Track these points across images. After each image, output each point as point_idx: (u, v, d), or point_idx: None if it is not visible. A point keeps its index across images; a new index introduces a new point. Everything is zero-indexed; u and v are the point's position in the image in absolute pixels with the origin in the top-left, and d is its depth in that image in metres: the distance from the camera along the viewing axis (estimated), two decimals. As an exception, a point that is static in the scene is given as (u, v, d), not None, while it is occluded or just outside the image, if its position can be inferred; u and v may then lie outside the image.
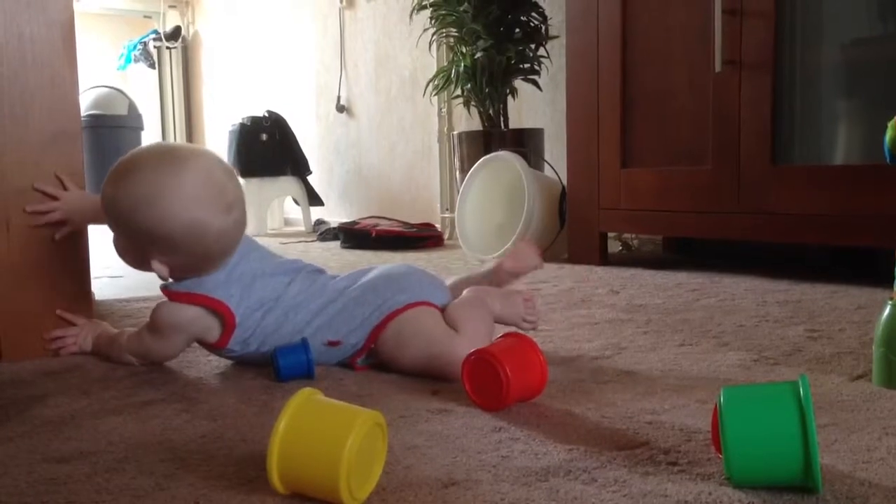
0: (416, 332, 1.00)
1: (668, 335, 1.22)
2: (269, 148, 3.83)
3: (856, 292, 1.56)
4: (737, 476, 0.61)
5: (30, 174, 1.10)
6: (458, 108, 3.05)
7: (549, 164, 2.56)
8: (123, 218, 0.97)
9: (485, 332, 1.01)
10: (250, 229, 1.16)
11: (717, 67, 1.84)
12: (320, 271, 1.11)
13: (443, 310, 1.04)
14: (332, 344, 1.03)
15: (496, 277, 1.19)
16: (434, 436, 0.76)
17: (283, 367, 0.97)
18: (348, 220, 3.29)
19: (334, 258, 2.59)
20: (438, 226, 3.25)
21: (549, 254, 2.30)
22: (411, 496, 0.62)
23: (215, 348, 1.04)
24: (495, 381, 0.82)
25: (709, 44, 1.86)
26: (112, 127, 4.90)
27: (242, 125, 3.85)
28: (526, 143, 2.57)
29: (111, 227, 1.01)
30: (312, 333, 1.02)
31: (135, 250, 1.00)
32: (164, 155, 0.97)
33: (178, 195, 0.93)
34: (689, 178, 1.94)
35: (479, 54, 2.55)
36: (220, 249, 0.98)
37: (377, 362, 1.03)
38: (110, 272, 2.30)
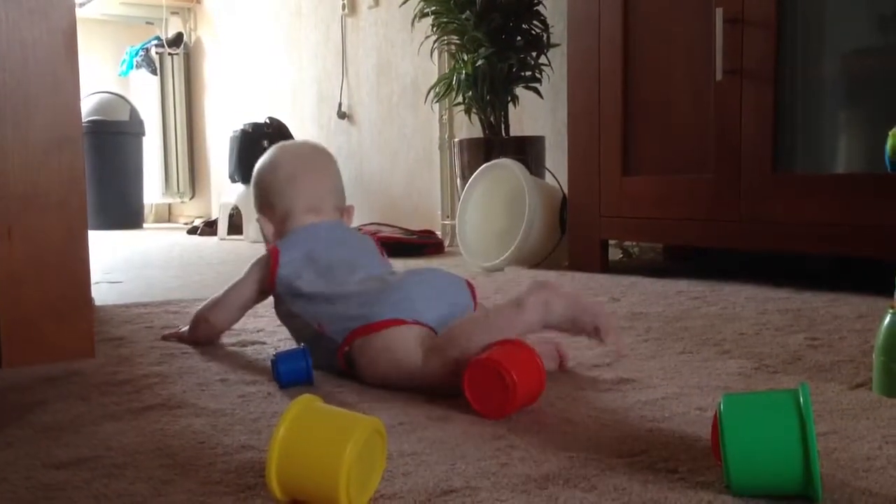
0: (384, 348, 0.97)
1: (669, 343, 1.22)
2: (270, 154, 3.83)
3: (856, 301, 1.56)
4: (736, 484, 0.61)
5: (32, 180, 1.10)
6: (460, 115, 3.06)
7: (550, 171, 2.56)
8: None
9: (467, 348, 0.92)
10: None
11: (719, 76, 1.84)
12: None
13: (432, 328, 0.97)
14: (319, 330, 1.03)
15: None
16: (433, 443, 0.76)
17: (283, 373, 0.97)
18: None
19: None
20: (439, 233, 3.25)
21: (550, 261, 2.30)
22: (410, 503, 0.62)
23: (270, 290, 1.16)
24: (500, 389, 0.82)
25: (710, 53, 1.87)
26: (113, 133, 4.92)
27: (244, 131, 3.86)
28: (527, 151, 2.57)
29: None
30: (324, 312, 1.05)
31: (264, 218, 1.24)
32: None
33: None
34: (691, 186, 1.95)
35: (480, 62, 2.56)
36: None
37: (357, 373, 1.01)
38: (110, 278, 2.31)
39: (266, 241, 1.24)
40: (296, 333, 1.14)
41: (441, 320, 0.98)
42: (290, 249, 1.15)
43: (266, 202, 1.23)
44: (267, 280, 1.16)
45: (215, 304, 1.24)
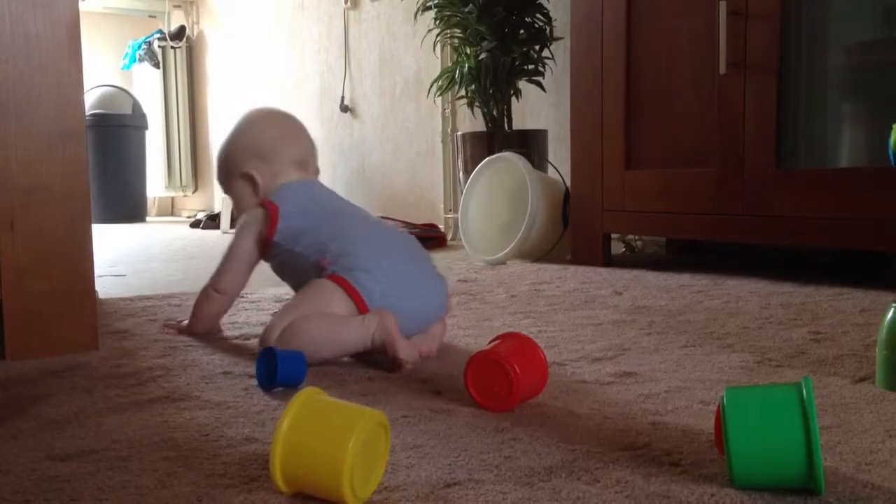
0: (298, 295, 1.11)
1: (672, 336, 1.22)
2: (272, 148, 3.83)
3: (860, 295, 1.56)
4: (739, 477, 0.61)
5: (35, 173, 1.10)
6: (462, 108, 3.05)
7: (552, 165, 2.56)
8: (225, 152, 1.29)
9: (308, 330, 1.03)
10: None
11: (722, 69, 1.84)
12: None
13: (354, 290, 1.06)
14: (323, 263, 1.11)
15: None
16: (436, 435, 0.76)
17: (281, 372, 0.93)
18: (352, 221, 3.29)
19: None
20: (442, 226, 3.25)
21: (553, 255, 2.30)
22: (413, 495, 0.62)
23: (269, 241, 1.19)
24: (503, 382, 0.82)
25: (713, 46, 1.86)
26: (116, 126, 4.92)
27: (247, 125, 3.85)
28: (530, 145, 2.57)
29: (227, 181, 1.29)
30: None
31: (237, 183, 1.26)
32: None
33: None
34: (694, 179, 1.94)
35: (483, 55, 2.55)
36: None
37: None
38: (113, 271, 2.31)
39: (242, 197, 1.26)
40: (293, 273, 1.19)
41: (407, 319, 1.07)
42: (288, 201, 1.19)
43: (258, 154, 1.25)
44: (266, 234, 1.18)
45: (221, 274, 1.24)
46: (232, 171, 1.27)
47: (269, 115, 1.33)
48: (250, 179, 1.24)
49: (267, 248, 1.20)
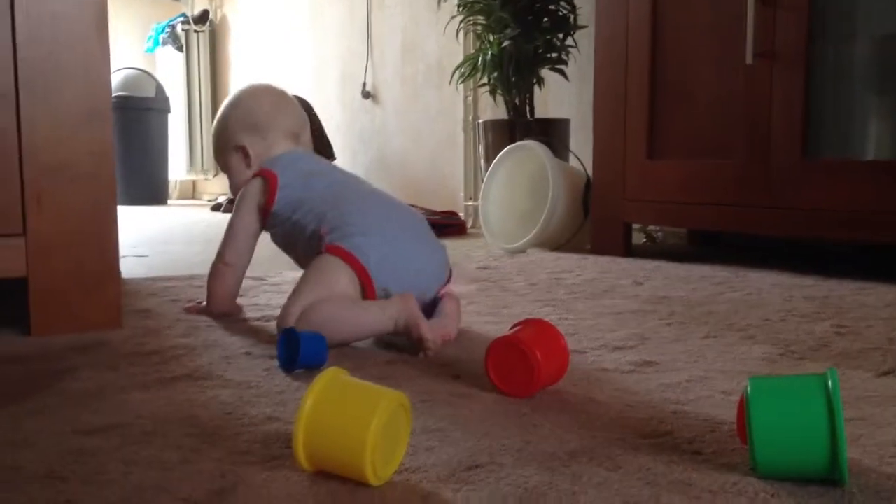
0: (306, 273, 1.11)
1: (693, 327, 1.21)
2: (294, 133, 3.84)
3: (884, 289, 1.55)
4: (762, 467, 0.60)
5: (62, 152, 1.11)
6: (484, 96, 3.04)
7: (574, 154, 2.55)
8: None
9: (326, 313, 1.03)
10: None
11: (749, 59, 1.82)
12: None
13: (362, 267, 1.07)
14: (322, 232, 1.12)
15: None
16: (457, 419, 0.76)
17: (302, 353, 0.94)
18: (372, 207, 3.29)
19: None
20: (462, 214, 3.25)
21: (573, 244, 2.30)
22: (434, 477, 0.62)
23: (268, 211, 1.20)
24: (524, 368, 0.82)
25: (741, 35, 1.84)
26: (139, 109, 4.94)
27: (268, 110, 3.86)
28: (551, 133, 2.56)
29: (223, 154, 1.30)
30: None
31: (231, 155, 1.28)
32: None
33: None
34: (718, 170, 1.93)
35: (506, 42, 2.54)
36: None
37: None
38: (136, 252, 2.33)
39: (237, 169, 1.28)
40: (293, 243, 1.20)
41: (402, 290, 1.07)
42: (286, 171, 1.21)
43: (252, 125, 1.27)
44: (265, 203, 1.20)
45: (225, 247, 1.25)
46: (226, 145, 1.29)
47: (261, 88, 1.35)
48: (243, 151, 1.27)
49: (266, 218, 1.22)
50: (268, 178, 1.21)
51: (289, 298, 1.08)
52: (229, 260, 1.25)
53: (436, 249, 1.19)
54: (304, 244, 1.17)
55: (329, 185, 1.21)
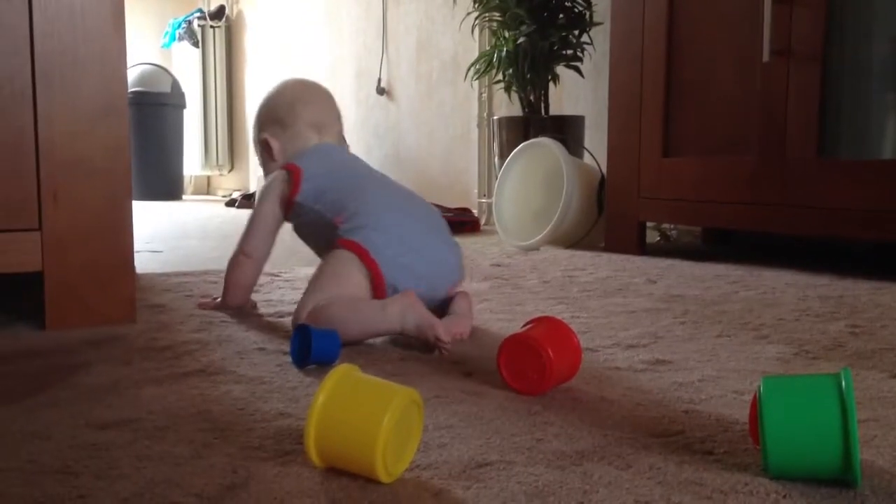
0: (319, 269, 1.12)
1: (706, 326, 1.21)
2: (308, 129, 3.85)
3: (899, 289, 1.53)
4: (774, 467, 0.60)
5: (78, 147, 1.12)
6: (499, 93, 3.04)
7: (588, 151, 2.54)
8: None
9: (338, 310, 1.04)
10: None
11: (766, 57, 1.81)
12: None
13: (375, 265, 1.07)
14: (337, 221, 1.13)
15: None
16: (468, 416, 0.76)
17: (315, 350, 0.94)
18: (385, 203, 3.29)
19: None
20: (475, 211, 3.25)
21: (586, 242, 2.29)
22: (445, 474, 0.62)
23: (292, 202, 1.20)
24: (536, 366, 0.82)
25: (757, 32, 1.83)
26: (155, 104, 4.97)
27: (283, 106, 3.87)
28: (566, 130, 2.55)
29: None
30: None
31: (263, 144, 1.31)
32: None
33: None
34: (733, 168, 1.92)
35: (521, 39, 2.54)
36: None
37: None
38: (150, 247, 2.34)
39: (266, 162, 1.30)
40: (312, 233, 1.22)
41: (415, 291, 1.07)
42: (312, 163, 1.22)
43: (274, 118, 1.29)
44: (288, 195, 1.20)
45: (247, 237, 1.25)
46: (256, 139, 1.33)
47: (288, 83, 1.36)
48: (267, 145, 1.29)
49: (290, 209, 1.22)
50: (291, 171, 1.22)
51: (303, 294, 1.09)
52: (249, 251, 1.25)
53: (451, 249, 1.19)
54: (321, 234, 1.18)
55: (353, 178, 1.22)
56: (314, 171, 1.21)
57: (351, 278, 1.07)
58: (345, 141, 1.36)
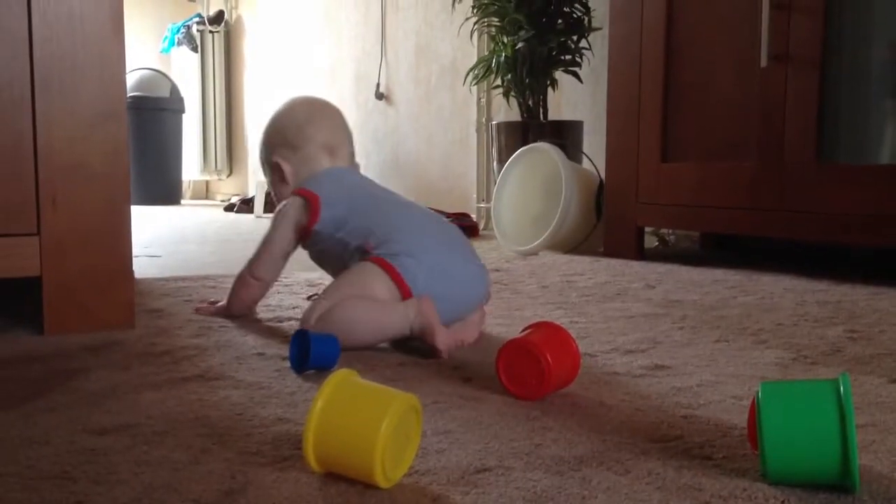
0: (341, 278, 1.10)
1: (705, 331, 1.21)
2: (307, 133, 3.86)
3: (898, 295, 1.54)
4: (773, 472, 0.60)
5: (77, 151, 1.12)
6: (498, 98, 3.04)
7: (587, 156, 2.55)
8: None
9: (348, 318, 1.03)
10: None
11: (764, 62, 1.81)
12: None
13: (400, 276, 1.06)
14: (367, 248, 1.11)
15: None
16: (467, 422, 0.76)
17: (314, 355, 0.94)
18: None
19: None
20: (474, 216, 3.25)
21: (585, 247, 2.29)
22: (444, 479, 0.62)
23: (309, 230, 1.18)
24: (535, 371, 0.82)
25: (755, 38, 1.84)
26: (154, 109, 4.97)
27: (282, 110, 3.87)
28: (565, 135, 2.56)
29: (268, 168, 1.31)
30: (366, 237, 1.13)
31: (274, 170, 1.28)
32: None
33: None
34: (732, 173, 1.92)
35: (520, 44, 2.54)
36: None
37: None
38: (149, 252, 2.34)
39: (276, 185, 1.28)
40: (335, 260, 1.18)
41: (445, 307, 1.06)
42: (328, 190, 1.19)
43: (285, 142, 1.26)
44: (305, 223, 1.18)
45: (258, 261, 1.23)
46: (265, 161, 1.30)
47: (297, 102, 1.33)
48: (278, 168, 1.26)
49: (307, 238, 1.20)
50: (309, 199, 1.18)
51: (321, 295, 1.08)
52: (258, 275, 1.24)
53: (479, 270, 1.16)
54: (345, 261, 1.15)
55: (374, 203, 1.20)
56: (332, 199, 1.18)
57: (374, 288, 1.06)
58: (356, 162, 1.32)
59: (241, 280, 1.26)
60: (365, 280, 1.07)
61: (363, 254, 1.11)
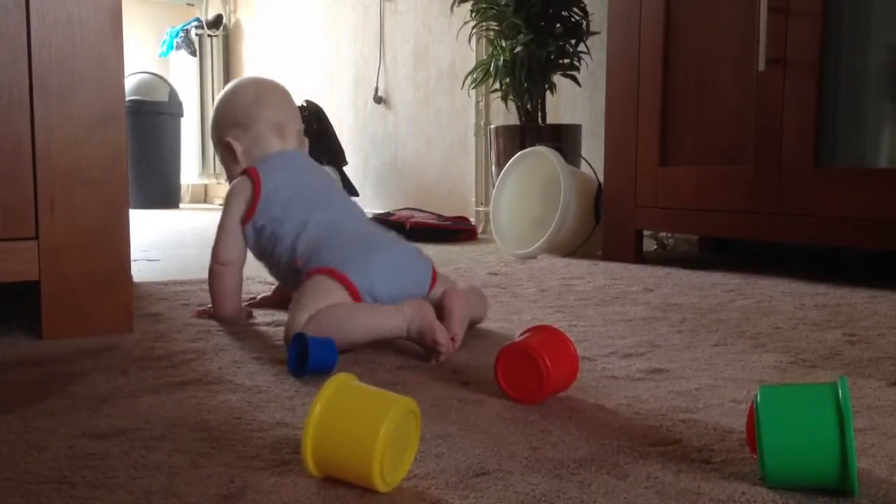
0: (300, 292, 1.10)
1: (703, 335, 1.21)
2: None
3: (896, 298, 1.54)
4: (771, 476, 0.60)
5: (75, 155, 1.12)
6: (496, 101, 3.05)
7: (585, 160, 2.55)
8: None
9: (335, 322, 1.03)
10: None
11: (762, 66, 1.81)
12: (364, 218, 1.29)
13: (357, 290, 1.08)
14: (297, 264, 1.15)
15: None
16: (466, 425, 0.76)
17: (313, 360, 0.93)
18: (383, 212, 3.30)
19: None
20: (473, 219, 3.25)
21: (583, 250, 2.30)
22: (443, 483, 0.62)
23: (252, 210, 1.22)
24: (533, 375, 0.82)
25: (753, 42, 1.84)
26: (152, 113, 4.97)
27: (280, 114, 3.87)
28: (563, 139, 2.56)
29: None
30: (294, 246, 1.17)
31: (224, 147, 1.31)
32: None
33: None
34: (730, 177, 1.93)
35: (518, 48, 2.54)
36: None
37: None
38: (147, 255, 2.34)
39: (228, 165, 1.31)
40: (269, 257, 1.22)
41: (391, 295, 1.09)
42: (269, 171, 1.24)
43: (235, 122, 1.30)
44: (251, 200, 1.22)
45: (219, 245, 1.26)
46: (217, 142, 1.33)
47: (245, 82, 1.36)
48: (229, 148, 1.29)
49: (250, 216, 1.22)
50: (253, 177, 1.23)
51: (291, 310, 1.08)
52: (223, 259, 1.26)
53: (413, 254, 1.20)
54: (279, 257, 1.20)
55: (305, 204, 1.22)
56: (270, 191, 1.22)
57: (333, 292, 1.08)
58: (304, 140, 1.36)
59: (211, 273, 1.28)
60: (321, 287, 1.08)
61: (294, 263, 1.16)
